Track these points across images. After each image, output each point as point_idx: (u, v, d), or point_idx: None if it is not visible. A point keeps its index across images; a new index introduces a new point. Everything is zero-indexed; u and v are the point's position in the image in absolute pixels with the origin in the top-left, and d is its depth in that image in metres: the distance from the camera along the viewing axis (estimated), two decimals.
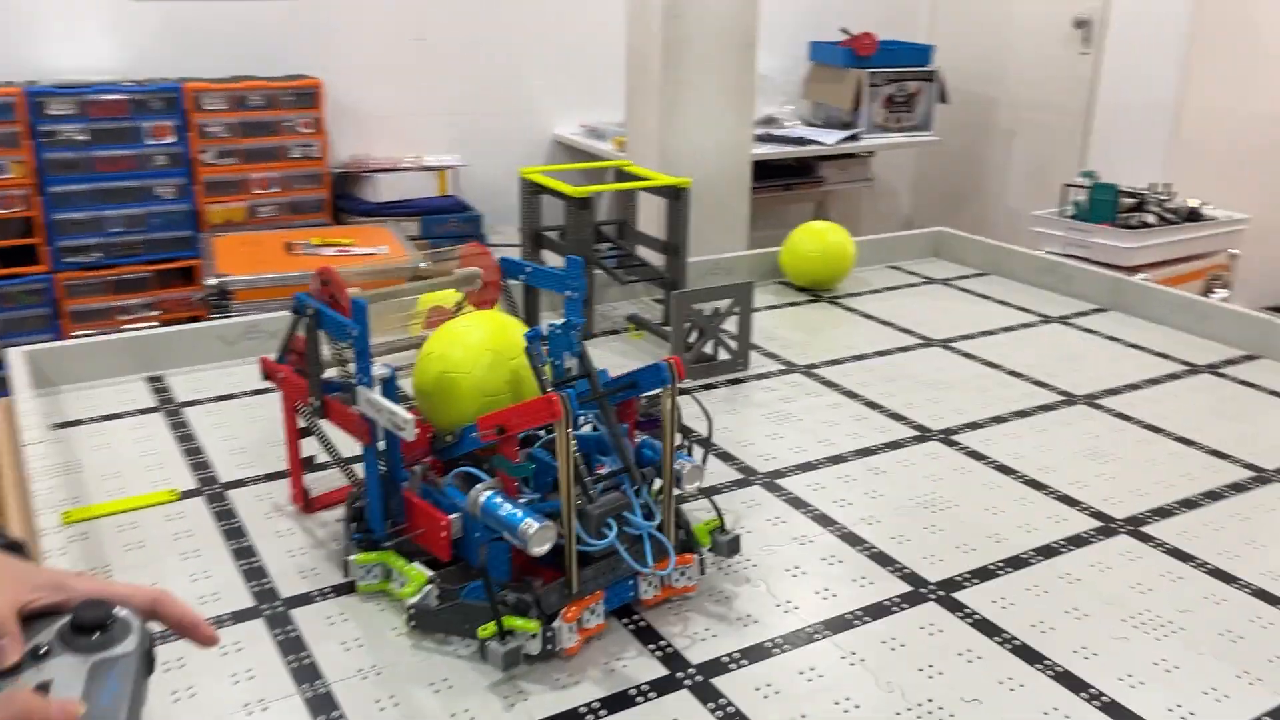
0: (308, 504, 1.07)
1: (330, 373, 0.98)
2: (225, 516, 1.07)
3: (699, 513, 1.05)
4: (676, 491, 0.91)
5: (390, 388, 0.91)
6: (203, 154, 2.97)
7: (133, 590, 0.53)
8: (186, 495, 1.11)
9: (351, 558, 0.93)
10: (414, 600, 0.87)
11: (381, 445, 0.92)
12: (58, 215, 2.86)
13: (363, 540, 0.95)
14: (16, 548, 0.57)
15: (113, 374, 1.43)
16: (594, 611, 0.86)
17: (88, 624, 0.49)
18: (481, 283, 1.08)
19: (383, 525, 0.93)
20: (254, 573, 0.97)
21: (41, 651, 0.47)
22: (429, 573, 0.89)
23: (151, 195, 2.94)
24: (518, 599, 0.83)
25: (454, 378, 0.92)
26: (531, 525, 0.81)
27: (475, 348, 0.93)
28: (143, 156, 2.91)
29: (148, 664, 0.50)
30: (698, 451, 1.00)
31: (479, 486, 0.86)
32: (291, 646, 0.86)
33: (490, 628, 0.82)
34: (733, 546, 0.96)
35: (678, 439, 0.90)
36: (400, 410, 0.86)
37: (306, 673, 0.83)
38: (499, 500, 0.84)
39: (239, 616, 0.90)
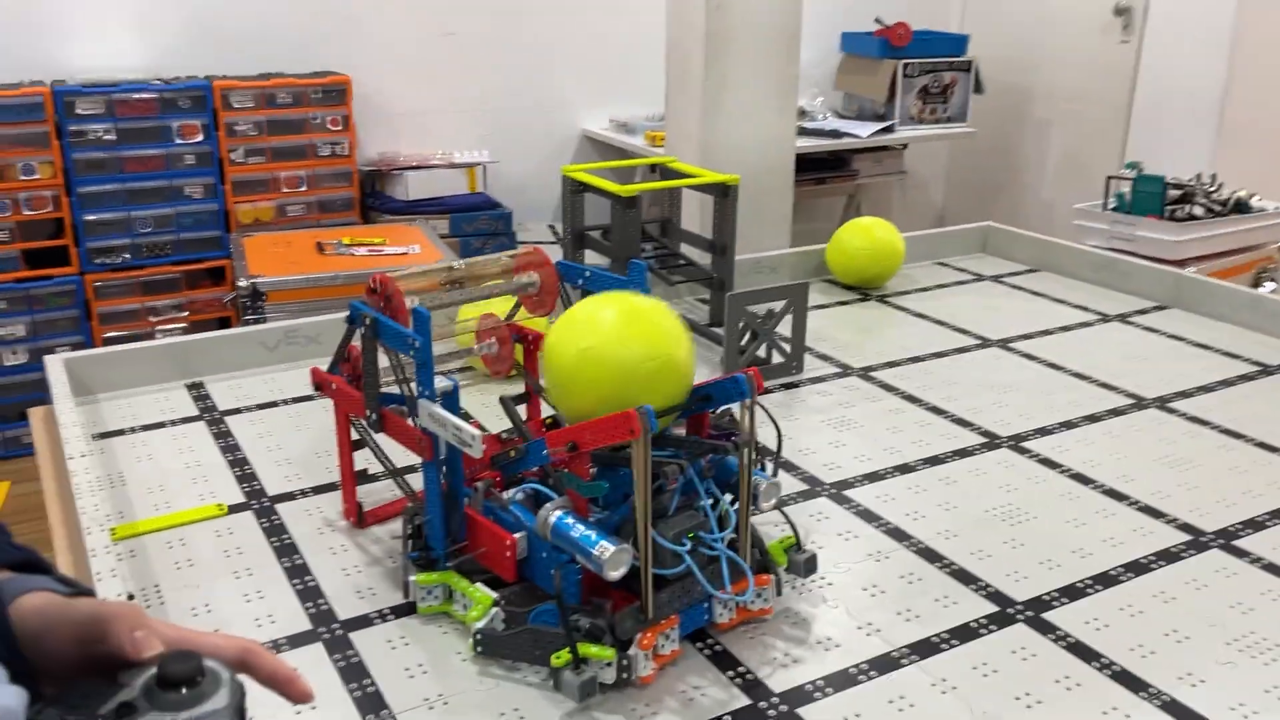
0: (360, 519, 1.03)
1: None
2: (276, 532, 1.03)
3: (766, 527, 1.01)
4: (753, 510, 0.86)
5: (453, 401, 0.87)
6: (231, 153, 2.94)
7: (222, 640, 0.50)
8: (234, 509, 1.08)
9: (413, 578, 0.89)
10: (480, 625, 0.83)
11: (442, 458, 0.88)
12: (87, 216, 2.84)
13: (421, 559, 0.91)
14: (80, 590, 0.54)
15: (151, 381, 1.40)
16: (669, 637, 0.82)
17: (176, 678, 0.45)
18: (538, 289, 1.03)
19: (444, 544, 0.89)
20: (309, 593, 0.93)
21: (127, 710, 0.44)
22: (494, 594, 0.85)
23: (180, 195, 2.92)
24: (591, 624, 0.79)
25: (595, 353, 0.84)
26: (607, 549, 0.76)
27: (610, 324, 0.85)
28: (171, 156, 2.88)
29: None
30: (768, 465, 0.96)
31: (548, 506, 0.81)
32: (353, 674, 0.83)
33: (564, 655, 0.78)
34: (810, 565, 0.91)
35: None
36: (466, 425, 0.82)
37: (371, 702, 0.79)
38: (570, 521, 0.80)
39: (296, 641, 0.87)
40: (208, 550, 1.00)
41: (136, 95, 2.81)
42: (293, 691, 0.50)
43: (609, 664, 0.78)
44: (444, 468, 0.88)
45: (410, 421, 0.89)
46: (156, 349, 1.42)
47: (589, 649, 0.78)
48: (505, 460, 0.89)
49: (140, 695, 0.45)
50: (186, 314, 2.97)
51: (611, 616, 0.79)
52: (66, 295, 2.87)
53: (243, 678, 0.49)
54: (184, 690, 0.45)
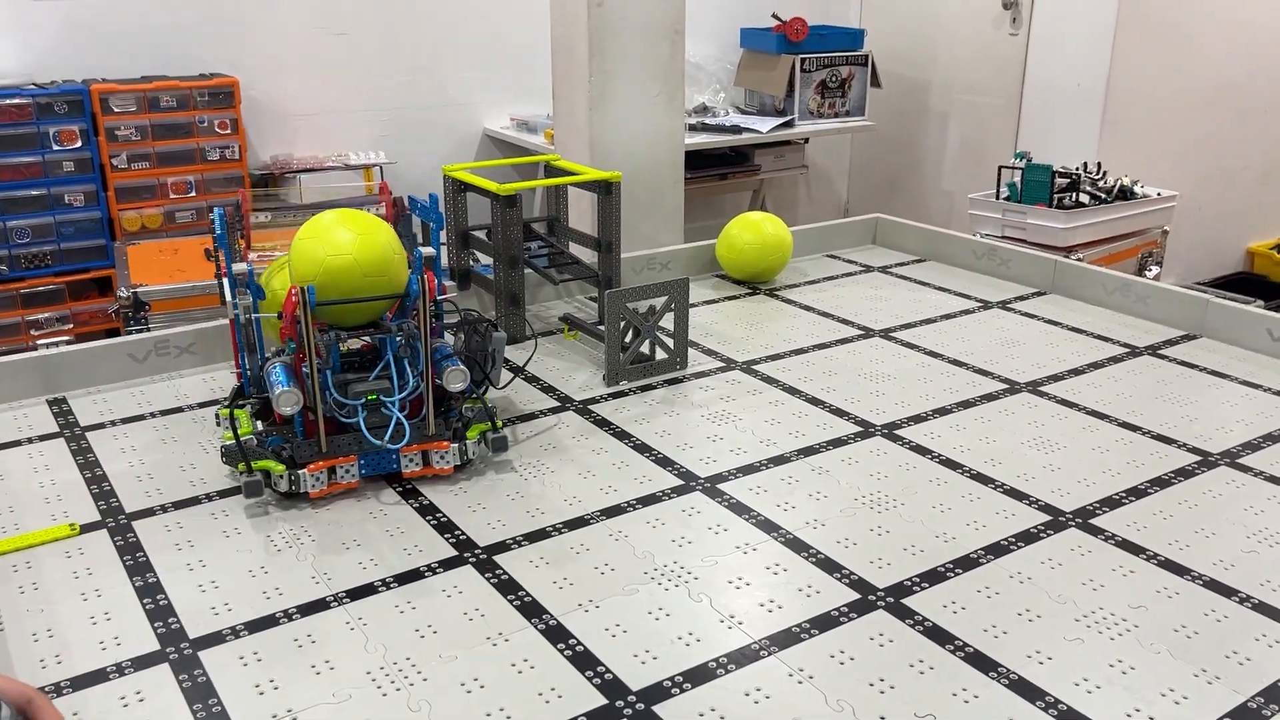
0: None
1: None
2: (130, 550, 0.99)
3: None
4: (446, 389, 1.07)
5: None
6: (114, 158, 2.84)
7: (7, 685, 0.52)
8: (87, 529, 1.03)
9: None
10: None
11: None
12: None
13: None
14: None
15: (10, 398, 1.34)
16: (349, 471, 1.05)
17: None
18: None
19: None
20: (160, 612, 0.90)
21: None
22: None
23: (60, 203, 2.81)
24: (276, 447, 1.04)
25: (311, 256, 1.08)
26: (277, 389, 0.99)
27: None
28: (49, 163, 2.77)
29: None
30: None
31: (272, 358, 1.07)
32: (199, 693, 0.80)
33: (241, 464, 1.03)
34: (498, 444, 1.12)
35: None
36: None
37: None
38: (277, 368, 1.03)
39: (141, 663, 0.83)
40: (55, 572, 0.96)
41: (9, 101, 2.70)
42: None
43: (282, 476, 1.03)
44: None
45: None
46: (16, 364, 1.35)
47: (268, 464, 1.03)
48: None
49: None
50: (71, 326, 2.86)
51: (295, 445, 1.04)
52: None
53: None
54: None
